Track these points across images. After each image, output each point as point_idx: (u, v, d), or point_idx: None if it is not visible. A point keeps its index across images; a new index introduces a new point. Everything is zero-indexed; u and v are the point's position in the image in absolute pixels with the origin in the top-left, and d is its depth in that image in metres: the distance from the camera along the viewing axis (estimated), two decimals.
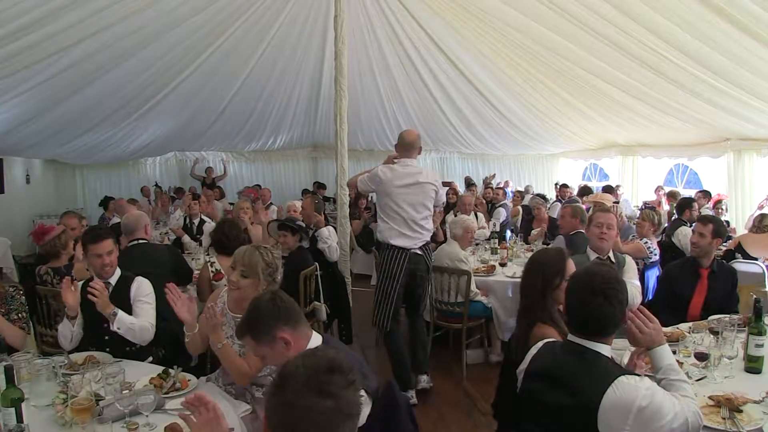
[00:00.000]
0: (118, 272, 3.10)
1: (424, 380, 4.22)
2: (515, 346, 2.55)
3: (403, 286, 4.04)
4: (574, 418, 1.78)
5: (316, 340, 2.02)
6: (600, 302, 1.86)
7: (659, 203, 8.61)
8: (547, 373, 1.94)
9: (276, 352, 1.91)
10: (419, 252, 4.07)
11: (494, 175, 12.65)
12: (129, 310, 2.98)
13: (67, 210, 5.22)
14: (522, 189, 10.98)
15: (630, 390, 1.69)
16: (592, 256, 3.50)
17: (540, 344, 2.10)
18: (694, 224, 4.40)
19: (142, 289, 3.07)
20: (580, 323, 1.93)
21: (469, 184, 11.61)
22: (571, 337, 1.96)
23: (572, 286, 1.99)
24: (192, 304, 2.61)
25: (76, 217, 4.96)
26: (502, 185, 11.26)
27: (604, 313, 1.86)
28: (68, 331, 2.93)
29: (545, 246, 5.43)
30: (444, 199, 4.34)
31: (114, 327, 2.82)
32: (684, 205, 6.06)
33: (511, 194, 11.60)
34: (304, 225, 5.00)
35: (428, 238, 4.16)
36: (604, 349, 1.89)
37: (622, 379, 1.73)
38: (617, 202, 7.55)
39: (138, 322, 2.92)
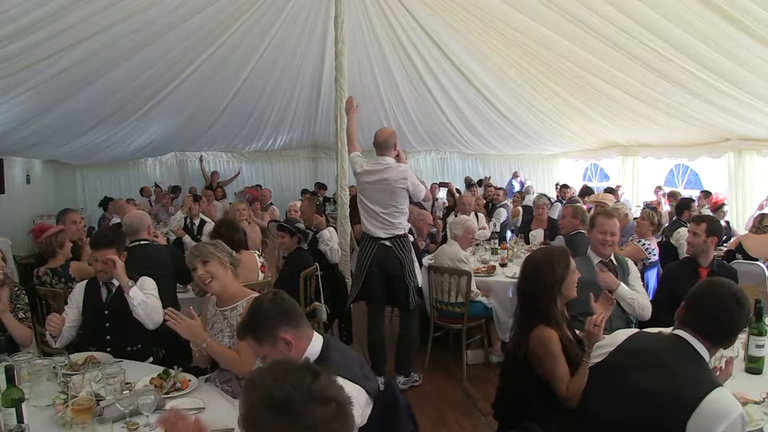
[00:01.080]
0: None
1: (401, 381, 4.31)
2: (511, 347, 2.54)
3: (375, 276, 4.25)
4: (663, 407, 1.73)
5: (317, 340, 2.01)
6: (738, 312, 1.87)
7: (659, 203, 8.60)
8: (648, 353, 1.90)
9: (277, 353, 1.90)
10: (388, 244, 4.22)
11: (489, 177, 12.70)
12: (131, 312, 2.98)
13: (66, 208, 5.19)
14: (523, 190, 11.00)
15: (730, 403, 1.67)
16: (594, 258, 3.45)
17: (633, 331, 2.08)
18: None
19: (147, 284, 3.09)
20: (705, 324, 1.88)
21: (469, 184, 11.62)
22: (680, 332, 1.91)
23: (712, 288, 1.96)
24: (194, 321, 2.58)
25: (77, 213, 4.96)
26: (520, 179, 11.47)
27: (737, 323, 1.88)
28: (68, 334, 2.98)
29: (544, 245, 5.43)
30: (422, 194, 4.39)
31: (128, 295, 2.87)
32: (683, 205, 6.06)
33: (522, 186, 11.70)
34: (303, 227, 5.00)
35: (398, 233, 4.27)
36: (707, 356, 1.87)
37: (723, 389, 1.71)
38: (617, 201, 7.54)
39: (150, 300, 2.96)
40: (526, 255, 5.49)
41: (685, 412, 1.65)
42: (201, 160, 12.85)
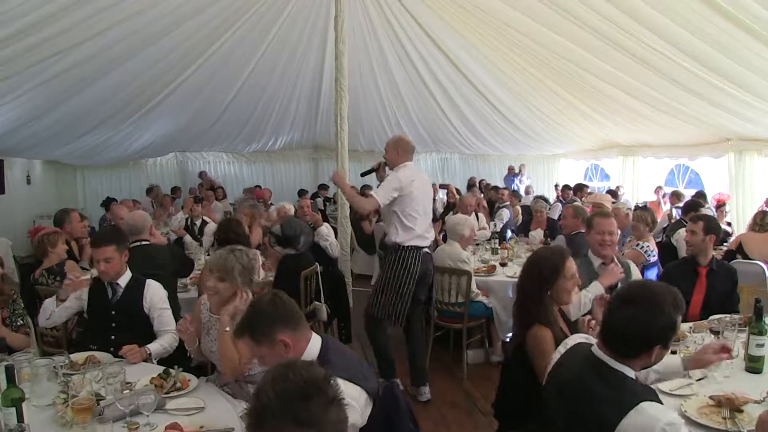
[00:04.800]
0: (128, 274, 3.09)
1: (425, 393, 4.17)
2: (511, 348, 2.54)
3: (420, 286, 4.10)
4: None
5: (315, 341, 2.01)
6: (632, 315, 1.67)
7: (659, 203, 8.60)
8: (573, 376, 1.82)
9: (275, 354, 1.89)
10: (428, 251, 4.19)
11: (483, 180, 12.74)
12: (140, 313, 3.01)
13: (65, 208, 5.18)
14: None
15: (651, 416, 1.57)
16: (595, 260, 3.40)
17: (578, 339, 2.01)
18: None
19: (157, 295, 3.07)
20: (609, 340, 1.75)
21: (471, 185, 11.64)
22: (596, 351, 1.79)
23: (611, 300, 1.84)
24: (188, 325, 2.63)
25: (77, 212, 4.94)
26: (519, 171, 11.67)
27: (635, 327, 1.67)
28: (50, 307, 3.02)
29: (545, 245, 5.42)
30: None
31: (154, 362, 2.83)
32: (691, 207, 5.97)
33: (517, 178, 11.74)
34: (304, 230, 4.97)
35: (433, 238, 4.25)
36: (627, 370, 1.72)
37: (645, 404, 1.61)
38: (615, 202, 7.53)
39: (165, 340, 2.95)
40: (527, 255, 5.52)
41: None
42: (201, 175, 12.72)
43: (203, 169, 12.86)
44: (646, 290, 1.73)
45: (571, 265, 2.51)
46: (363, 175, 4.68)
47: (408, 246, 3.99)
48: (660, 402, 1.68)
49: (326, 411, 1.21)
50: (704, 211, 6.47)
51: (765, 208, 6.68)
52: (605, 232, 3.35)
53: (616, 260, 3.41)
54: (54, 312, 3.01)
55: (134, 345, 2.73)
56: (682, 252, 4.89)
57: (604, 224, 3.37)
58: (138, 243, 3.99)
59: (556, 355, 2.03)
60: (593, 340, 1.91)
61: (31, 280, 3.94)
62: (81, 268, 4.15)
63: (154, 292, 3.07)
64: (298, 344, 1.93)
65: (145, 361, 2.76)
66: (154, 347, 2.85)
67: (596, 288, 3.13)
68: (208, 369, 3.12)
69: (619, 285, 3.31)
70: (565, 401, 1.81)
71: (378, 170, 4.54)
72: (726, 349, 2.21)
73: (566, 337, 2.42)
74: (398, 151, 4.09)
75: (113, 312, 3.01)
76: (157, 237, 4.63)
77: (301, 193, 11.38)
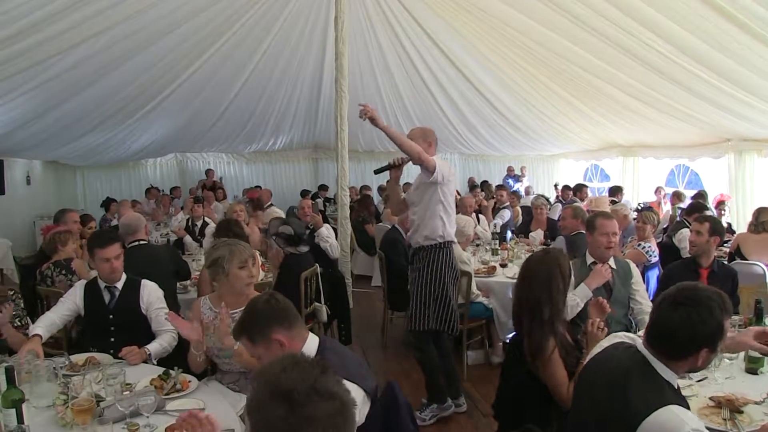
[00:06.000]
0: (123, 276, 3.09)
1: (463, 403, 3.94)
2: (511, 349, 2.51)
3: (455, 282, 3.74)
4: (614, 424, 1.71)
5: (312, 341, 2.02)
6: (681, 317, 1.68)
7: (659, 204, 8.60)
8: (613, 369, 1.83)
9: (272, 354, 1.90)
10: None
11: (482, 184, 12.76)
12: (137, 314, 3.01)
13: (64, 208, 5.20)
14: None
15: (678, 422, 1.59)
16: (590, 260, 3.37)
17: (616, 340, 1.99)
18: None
19: (154, 294, 3.07)
20: (655, 341, 1.76)
21: (472, 186, 11.66)
22: (643, 350, 1.80)
23: (659, 301, 1.82)
24: (196, 325, 2.60)
25: (76, 212, 4.99)
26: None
27: (683, 330, 1.68)
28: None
29: (545, 246, 5.42)
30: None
31: (154, 362, 2.81)
32: (695, 208, 5.94)
33: (517, 180, 11.76)
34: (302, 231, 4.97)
35: None
36: (668, 373, 1.74)
37: (673, 408, 1.63)
38: (615, 202, 7.53)
39: (165, 340, 2.93)
40: (526, 256, 5.51)
41: (630, 430, 1.63)
42: (207, 173, 12.67)
43: (210, 168, 12.79)
44: (695, 292, 1.73)
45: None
46: (377, 172, 4.00)
47: (451, 241, 3.65)
48: (689, 410, 1.70)
49: (339, 384, 1.24)
50: (705, 211, 6.47)
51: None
52: (609, 233, 3.31)
53: (612, 262, 3.37)
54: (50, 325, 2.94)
55: (134, 346, 2.73)
56: (685, 252, 4.89)
57: (607, 225, 3.33)
58: (136, 243, 4.00)
59: (596, 349, 2.01)
60: (638, 340, 1.90)
61: (37, 277, 3.96)
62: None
63: (150, 292, 3.06)
64: (294, 343, 1.95)
65: (144, 362, 2.76)
66: (153, 347, 2.84)
67: (583, 290, 3.10)
68: (208, 371, 3.12)
69: (617, 285, 3.30)
70: (602, 392, 1.81)
71: (398, 166, 3.65)
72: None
73: (571, 342, 2.43)
74: (430, 143, 3.62)
75: (111, 316, 3.01)
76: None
77: (304, 193, 11.35)
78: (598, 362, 1.94)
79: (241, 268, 2.66)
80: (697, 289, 1.75)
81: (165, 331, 2.98)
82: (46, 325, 2.88)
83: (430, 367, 3.71)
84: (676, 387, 1.77)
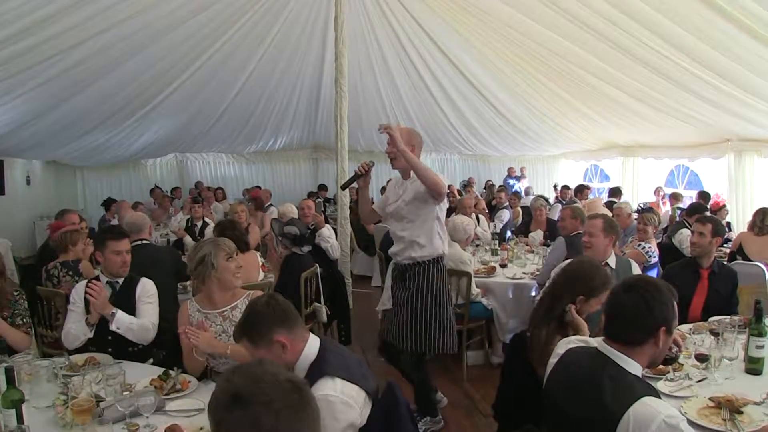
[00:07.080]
0: None
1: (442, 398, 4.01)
2: (511, 349, 2.51)
3: None
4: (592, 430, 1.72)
5: (313, 342, 2.01)
6: (632, 300, 1.73)
7: (658, 204, 8.60)
8: (573, 376, 1.86)
9: (273, 356, 1.89)
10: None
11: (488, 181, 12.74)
12: (134, 311, 3.00)
13: (64, 209, 5.21)
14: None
15: (651, 411, 1.61)
16: None
17: (573, 344, 2.01)
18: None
19: (147, 289, 3.09)
20: (613, 328, 1.80)
21: (465, 185, 11.66)
22: (599, 344, 1.84)
23: (614, 291, 1.87)
24: (208, 334, 2.52)
25: (76, 214, 4.99)
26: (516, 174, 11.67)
27: (639, 312, 1.73)
28: (82, 334, 2.90)
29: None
30: None
31: (113, 327, 2.83)
32: (696, 209, 5.94)
33: (517, 181, 11.74)
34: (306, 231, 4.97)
35: None
36: (629, 363, 1.76)
37: (646, 399, 1.65)
38: (614, 202, 7.53)
39: (138, 321, 2.93)
40: (526, 256, 5.51)
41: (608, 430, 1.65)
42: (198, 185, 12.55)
43: (199, 179, 12.74)
44: (642, 278, 1.87)
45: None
46: (343, 187, 3.80)
47: (443, 254, 3.51)
48: (660, 399, 1.72)
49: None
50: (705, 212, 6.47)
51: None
52: (586, 233, 3.47)
53: (612, 261, 3.39)
54: (86, 335, 2.93)
55: (103, 289, 2.85)
56: (686, 253, 4.89)
57: (587, 225, 3.54)
58: (139, 242, 4.00)
59: (553, 359, 2.03)
60: (592, 341, 1.93)
61: (42, 275, 3.96)
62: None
63: (144, 287, 3.09)
64: (295, 344, 1.94)
65: (110, 331, 2.82)
66: (121, 314, 2.86)
67: None
68: (209, 373, 3.11)
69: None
70: (573, 401, 1.82)
71: (365, 174, 3.37)
72: None
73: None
74: (413, 146, 3.37)
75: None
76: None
77: (311, 195, 11.29)
78: (560, 372, 1.95)
79: (228, 260, 2.64)
80: (644, 277, 1.98)
81: (143, 318, 3.00)
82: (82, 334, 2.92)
83: (429, 385, 3.69)
84: (641, 375, 1.79)
